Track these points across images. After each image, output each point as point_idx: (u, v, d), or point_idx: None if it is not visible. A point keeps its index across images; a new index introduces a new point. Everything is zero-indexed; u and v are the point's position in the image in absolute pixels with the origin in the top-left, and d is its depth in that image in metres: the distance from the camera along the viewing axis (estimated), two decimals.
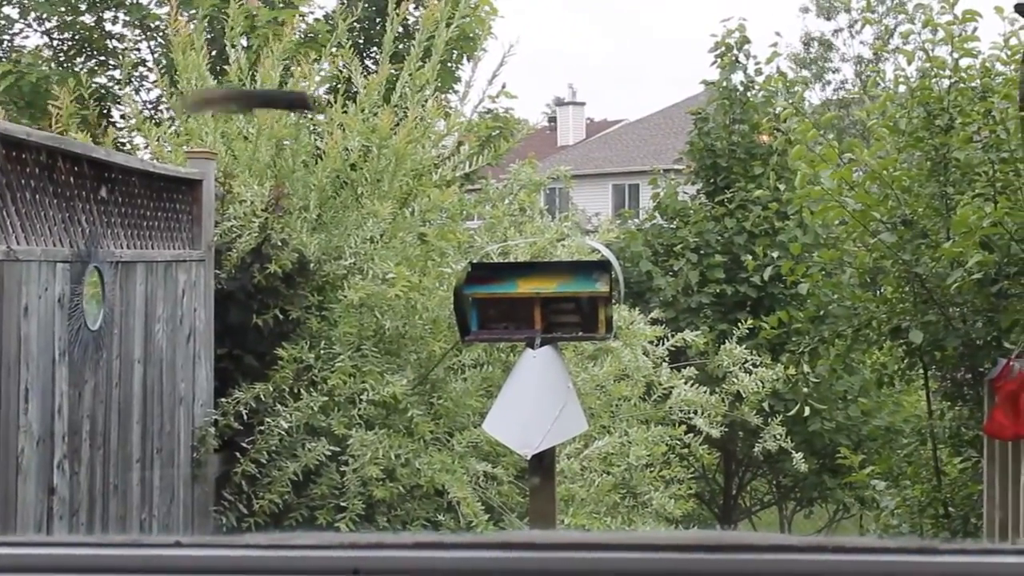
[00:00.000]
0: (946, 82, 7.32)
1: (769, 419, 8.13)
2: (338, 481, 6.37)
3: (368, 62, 13.27)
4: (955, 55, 7.32)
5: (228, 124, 7.47)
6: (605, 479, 6.92)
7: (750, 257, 10.55)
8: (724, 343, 8.26)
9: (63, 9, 14.90)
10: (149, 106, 14.55)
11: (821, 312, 7.58)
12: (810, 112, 8.87)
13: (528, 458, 4.69)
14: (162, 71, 8.57)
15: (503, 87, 8.70)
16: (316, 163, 7.34)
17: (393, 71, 7.83)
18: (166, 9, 12.64)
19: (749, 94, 12.58)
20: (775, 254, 10.33)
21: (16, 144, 4.90)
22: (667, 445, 7.29)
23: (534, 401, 4.63)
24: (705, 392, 7.42)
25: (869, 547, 1.00)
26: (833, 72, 39.52)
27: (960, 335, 7.04)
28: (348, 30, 8.13)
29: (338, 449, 6.34)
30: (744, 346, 8.12)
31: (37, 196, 5.03)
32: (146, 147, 8.68)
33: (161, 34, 14.25)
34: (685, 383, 7.46)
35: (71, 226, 5.29)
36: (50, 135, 5.55)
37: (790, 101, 7.94)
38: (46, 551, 1.06)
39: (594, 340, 5.88)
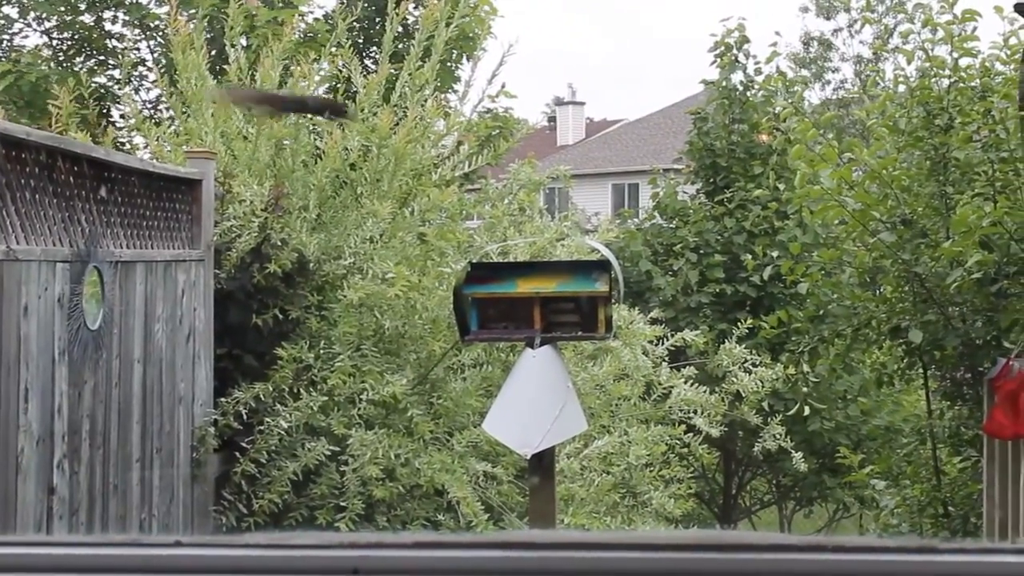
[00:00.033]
0: (946, 81, 7.32)
1: (769, 418, 8.13)
2: (338, 481, 6.37)
3: (368, 62, 13.27)
4: (955, 55, 7.32)
5: (228, 124, 7.47)
6: (605, 479, 6.92)
7: (750, 257, 10.55)
8: (724, 343, 8.26)
9: (63, 8, 14.90)
10: (149, 106, 14.56)
11: (821, 312, 7.58)
12: (810, 112, 8.87)
13: (528, 458, 4.69)
14: (162, 71, 8.57)
15: (503, 87, 8.71)
16: (316, 163, 7.34)
17: (393, 71, 7.83)
18: (166, 9, 12.63)
19: (749, 94, 12.58)
20: (775, 254, 10.34)
21: (16, 144, 4.90)
22: (667, 445, 7.29)
23: (534, 401, 4.63)
24: (705, 392, 7.42)
25: (869, 546, 1.00)
26: (833, 72, 39.52)
27: (960, 334, 7.04)
28: (348, 30, 8.13)
29: (338, 449, 6.35)
30: (744, 346, 8.12)
31: (37, 196, 5.03)
32: (146, 147, 8.69)
33: (161, 34, 14.25)
34: (685, 383, 7.46)
35: (71, 226, 5.29)
36: (50, 135, 5.55)
37: (790, 101, 7.94)
38: (46, 551, 1.06)
39: (594, 340, 5.88)
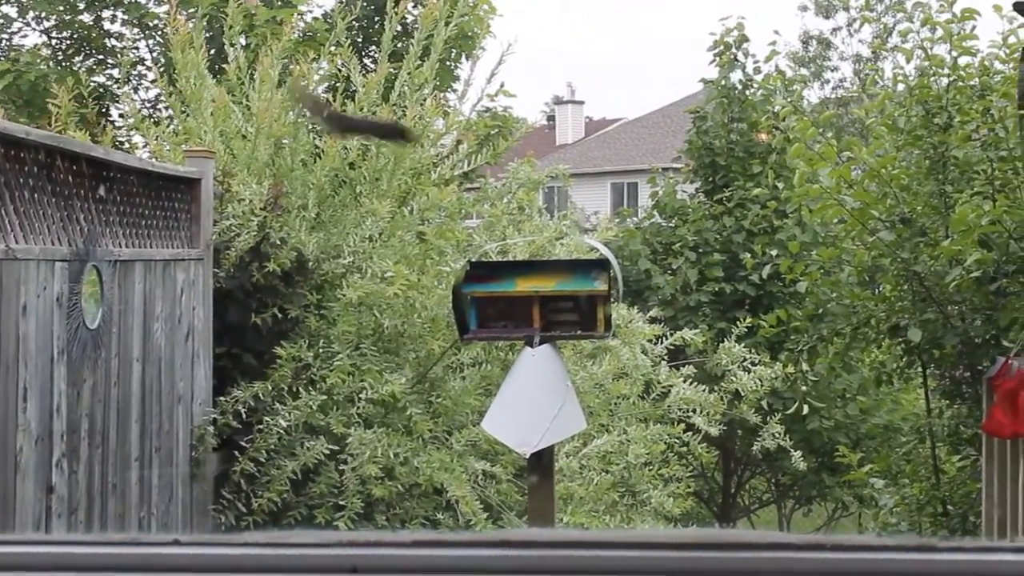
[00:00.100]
0: (945, 80, 7.33)
1: (768, 417, 8.13)
2: (337, 480, 6.37)
3: (367, 61, 13.27)
4: (954, 53, 7.32)
5: (226, 123, 7.46)
6: (604, 477, 6.93)
7: (749, 255, 10.54)
8: (723, 341, 8.26)
9: (62, 8, 14.90)
10: (148, 105, 14.56)
11: (820, 310, 7.58)
12: (809, 110, 8.87)
13: (527, 456, 4.69)
14: (161, 70, 8.58)
15: (501, 86, 8.72)
16: (315, 162, 7.34)
17: (392, 70, 7.83)
18: (165, 8, 12.63)
19: (748, 93, 12.59)
20: (774, 252, 10.34)
21: (15, 143, 4.90)
22: (666, 443, 7.29)
23: (533, 400, 4.63)
24: (704, 390, 7.42)
25: (868, 545, 1.00)
26: (832, 71, 39.49)
27: (959, 333, 7.04)
28: (347, 29, 8.13)
29: (337, 448, 6.35)
30: (743, 344, 8.12)
31: (36, 195, 5.03)
32: (145, 146, 8.69)
33: (160, 33, 14.25)
34: (684, 381, 7.46)
35: (70, 225, 5.28)
36: (49, 134, 5.55)
37: (789, 99, 7.94)
38: (45, 549, 1.06)
39: (593, 338, 5.88)
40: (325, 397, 6.42)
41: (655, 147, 35.84)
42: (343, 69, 7.91)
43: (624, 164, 37.78)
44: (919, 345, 7.22)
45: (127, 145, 10.15)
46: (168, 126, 8.10)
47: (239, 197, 6.78)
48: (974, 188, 7.05)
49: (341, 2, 12.38)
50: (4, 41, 15.63)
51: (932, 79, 7.34)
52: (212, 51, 9.39)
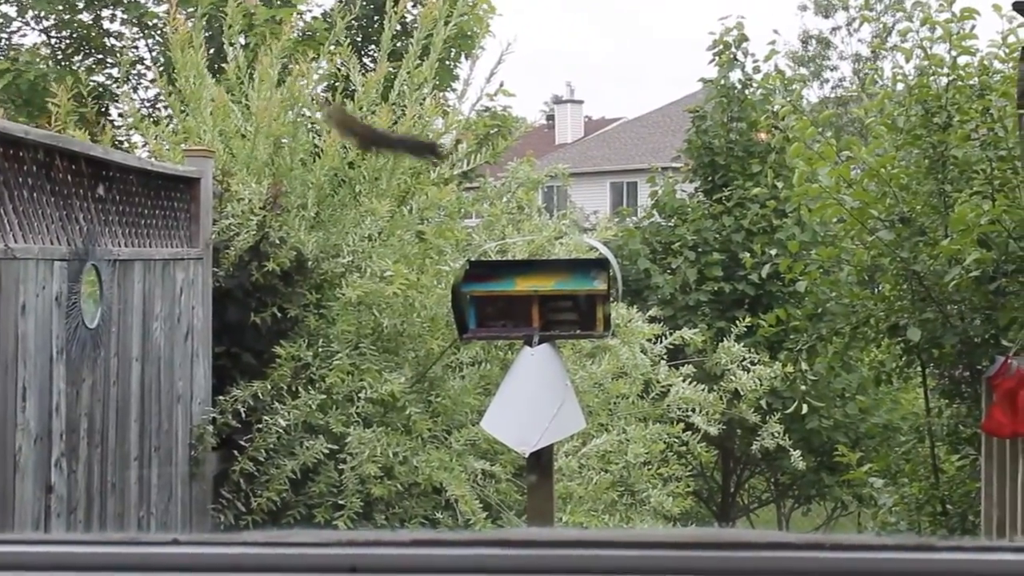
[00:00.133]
0: (944, 80, 7.33)
1: (767, 417, 8.13)
2: (336, 479, 6.37)
3: (366, 60, 13.28)
4: (953, 53, 7.32)
5: (226, 122, 7.46)
6: (603, 477, 6.93)
7: (748, 255, 10.54)
8: (722, 341, 8.26)
9: (61, 7, 14.90)
10: (147, 104, 14.56)
11: (819, 310, 7.58)
12: (808, 110, 8.88)
13: (526, 456, 4.69)
14: (160, 69, 8.58)
15: (501, 85, 8.72)
16: (314, 161, 7.34)
17: (391, 69, 7.82)
18: (164, 7, 12.63)
19: (747, 92, 12.59)
20: (773, 252, 10.33)
21: (14, 142, 4.90)
22: (665, 443, 7.29)
23: (532, 399, 4.63)
24: (703, 390, 7.42)
25: (867, 544, 1.00)
26: (831, 70, 39.50)
27: (958, 333, 7.05)
28: (346, 28, 8.13)
29: (336, 447, 6.34)
30: (742, 344, 8.11)
31: (35, 194, 5.03)
32: (144, 145, 8.69)
33: (159, 32, 14.25)
34: (683, 381, 7.46)
35: (69, 224, 5.28)
36: (48, 133, 5.55)
37: (788, 99, 7.94)
38: (44, 549, 1.06)
39: (592, 338, 5.88)
40: (324, 396, 6.42)
41: (654, 146, 35.84)
42: (342, 68, 7.91)
43: (623, 163, 37.78)
44: (918, 344, 7.22)
45: (126, 144, 10.14)
46: (167, 125, 8.10)
47: (238, 196, 6.78)
48: (973, 187, 7.05)
49: (340, 1, 12.37)
50: (3, 40, 15.63)
51: (931, 78, 7.34)
52: (211, 50, 9.39)
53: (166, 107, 9.79)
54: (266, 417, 6.37)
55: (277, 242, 6.72)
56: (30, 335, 4.87)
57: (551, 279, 4.79)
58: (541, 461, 4.71)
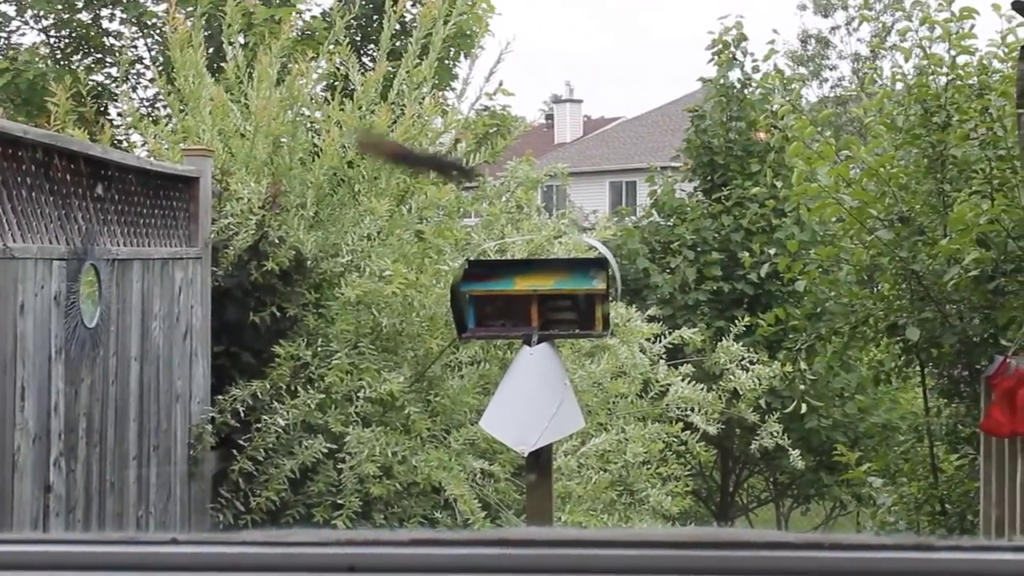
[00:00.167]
0: (943, 79, 7.33)
1: (766, 416, 8.13)
2: (335, 478, 6.37)
3: (365, 59, 13.28)
4: (952, 52, 7.32)
5: (225, 122, 7.46)
6: (602, 476, 6.93)
7: (747, 254, 10.56)
8: (721, 340, 8.25)
9: (60, 6, 14.90)
10: (146, 104, 14.56)
11: (818, 309, 7.59)
12: (807, 109, 8.88)
13: (525, 455, 4.69)
14: (159, 68, 8.57)
15: (500, 84, 8.72)
16: (313, 160, 7.33)
17: (390, 68, 7.82)
18: (163, 6, 12.63)
19: (746, 91, 12.59)
20: (772, 251, 10.34)
21: (13, 142, 4.90)
22: (664, 442, 7.28)
23: (531, 398, 4.63)
24: (702, 389, 7.42)
25: (866, 544, 1.00)
26: (830, 69, 39.55)
27: (957, 332, 7.05)
28: (345, 27, 8.13)
29: (335, 446, 6.34)
30: (741, 343, 8.11)
31: (33, 194, 5.03)
32: (143, 144, 8.68)
33: (158, 31, 14.25)
34: (682, 380, 7.46)
35: (67, 223, 5.28)
36: (47, 132, 5.55)
37: (787, 98, 7.95)
38: (42, 548, 1.06)
39: (591, 337, 5.88)
40: (323, 396, 6.42)
41: (653, 146, 35.84)
42: (341, 68, 7.91)
43: (622, 163, 37.79)
44: (917, 344, 7.22)
45: (125, 144, 10.14)
46: (166, 125, 8.10)
47: (237, 196, 6.78)
48: (972, 187, 7.05)
49: (339, 1, 12.37)
50: (3, 40, 15.63)
51: (931, 78, 7.34)
52: (211, 50, 9.39)
53: (165, 106, 9.78)
54: (265, 416, 6.37)
55: (276, 241, 6.72)
56: (29, 334, 4.87)
57: (550, 278, 4.79)
58: (540, 460, 4.71)
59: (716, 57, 12.65)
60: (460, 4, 8.28)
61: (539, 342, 4.64)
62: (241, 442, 6.38)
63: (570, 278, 4.80)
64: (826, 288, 7.55)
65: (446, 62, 13.51)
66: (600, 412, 7.31)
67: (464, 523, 6.24)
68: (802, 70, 36.88)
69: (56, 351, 5.08)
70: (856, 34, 39.88)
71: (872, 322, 7.37)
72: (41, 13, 15.12)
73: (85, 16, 15.23)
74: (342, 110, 7.42)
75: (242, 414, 6.39)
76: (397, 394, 6.44)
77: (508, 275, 4.87)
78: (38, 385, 4.95)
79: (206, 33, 8.43)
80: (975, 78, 7.37)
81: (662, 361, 7.64)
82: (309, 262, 6.90)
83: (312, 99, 7.92)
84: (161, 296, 6.14)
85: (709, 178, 12.63)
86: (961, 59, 7.35)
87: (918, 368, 8.02)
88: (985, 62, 7.44)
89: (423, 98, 7.73)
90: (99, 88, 13.96)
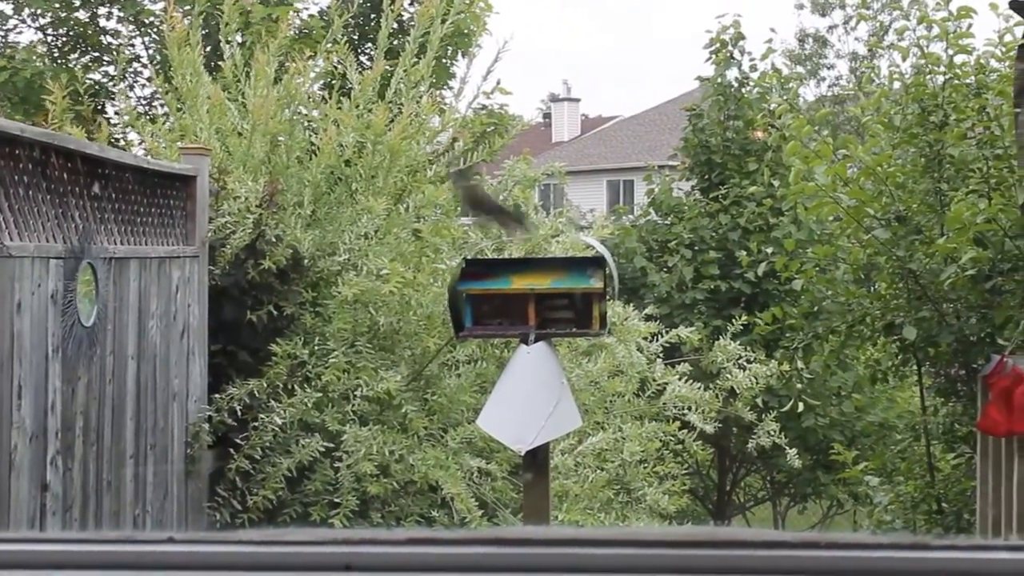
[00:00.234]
0: (941, 78, 7.33)
1: (763, 415, 8.13)
2: (332, 477, 6.37)
3: (363, 58, 13.27)
4: (950, 51, 7.32)
5: (222, 120, 7.46)
6: (599, 475, 6.93)
7: (744, 253, 10.56)
8: (718, 339, 8.25)
9: (57, 5, 14.89)
10: (144, 102, 14.55)
11: (815, 308, 7.59)
12: (805, 108, 8.88)
13: (522, 454, 4.69)
14: (156, 67, 8.57)
15: (498, 83, 8.71)
16: (310, 159, 7.33)
17: (388, 67, 7.82)
18: (161, 5, 12.62)
19: (744, 90, 12.59)
20: (769, 250, 10.33)
21: (10, 140, 4.89)
22: (661, 441, 7.28)
23: (528, 397, 4.63)
24: (699, 388, 7.42)
25: (862, 543, 1.00)
26: (828, 68, 39.57)
27: (954, 331, 7.05)
28: (343, 26, 8.12)
29: (332, 445, 6.34)
30: (738, 342, 8.11)
31: (30, 192, 5.03)
32: (140, 143, 8.68)
33: (156, 30, 14.24)
34: (679, 379, 7.46)
35: (64, 222, 5.28)
36: (44, 131, 5.54)
37: (785, 97, 7.94)
38: (39, 547, 1.06)
39: (588, 336, 5.88)
40: (320, 394, 6.41)
41: (651, 145, 35.84)
42: (339, 66, 7.91)
43: (620, 162, 37.80)
44: (914, 343, 7.23)
45: (122, 142, 10.13)
46: (164, 123, 8.09)
47: (235, 194, 6.78)
48: (969, 186, 7.05)
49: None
50: (0, 38, 15.61)
51: (928, 77, 7.35)
52: (208, 48, 9.37)
53: (162, 105, 9.78)
54: (262, 415, 6.36)
55: (273, 240, 6.72)
56: (26, 333, 4.87)
57: (547, 277, 4.79)
58: (537, 459, 4.71)
59: (714, 56, 12.65)
60: (458, 3, 8.28)
61: (536, 341, 4.64)
62: (238, 441, 6.38)
63: (567, 277, 4.80)
64: (823, 287, 7.56)
65: (444, 61, 13.51)
66: (597, 411, 7.31)
67: (461, 522, 6.24)
68: (800, 69, 36.90)
69: (53, 350, 5.08)
70: (854, 33, 39.89)
71: (869, 321, 7.37)
72: (38, 11, 15.10)
73: (82, 14, 15.22)
74: (339, 109, 7.42)
75: (239, 413, 6.39)
76: (394, 393, 6.44)
77: (505, 274, 4.87)
78: (35, 384, 4.95)
79: (203, 32, 8.43)
80: (972, 77, 7.37)
81: (659, 360, 7.64)
82: (306, 261, 6.89)
83: (309, 98, 7.92)
84: (158, 295, 6.13)
85: (706, 177, 12.63)
86: (959, 58, 7.35)
87: (915, 367, 8.02)
88: (983, 61, 7.44)
89: (421, 97, 7.73)
90: (96, 86, 13.95)
